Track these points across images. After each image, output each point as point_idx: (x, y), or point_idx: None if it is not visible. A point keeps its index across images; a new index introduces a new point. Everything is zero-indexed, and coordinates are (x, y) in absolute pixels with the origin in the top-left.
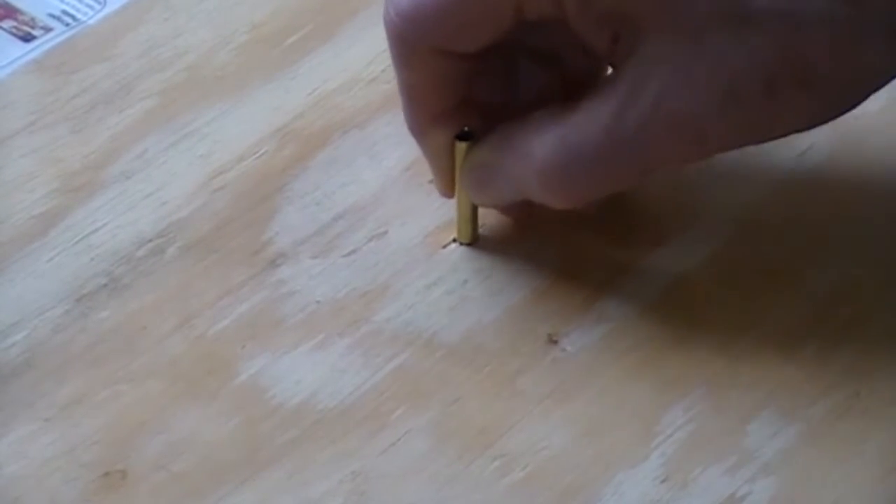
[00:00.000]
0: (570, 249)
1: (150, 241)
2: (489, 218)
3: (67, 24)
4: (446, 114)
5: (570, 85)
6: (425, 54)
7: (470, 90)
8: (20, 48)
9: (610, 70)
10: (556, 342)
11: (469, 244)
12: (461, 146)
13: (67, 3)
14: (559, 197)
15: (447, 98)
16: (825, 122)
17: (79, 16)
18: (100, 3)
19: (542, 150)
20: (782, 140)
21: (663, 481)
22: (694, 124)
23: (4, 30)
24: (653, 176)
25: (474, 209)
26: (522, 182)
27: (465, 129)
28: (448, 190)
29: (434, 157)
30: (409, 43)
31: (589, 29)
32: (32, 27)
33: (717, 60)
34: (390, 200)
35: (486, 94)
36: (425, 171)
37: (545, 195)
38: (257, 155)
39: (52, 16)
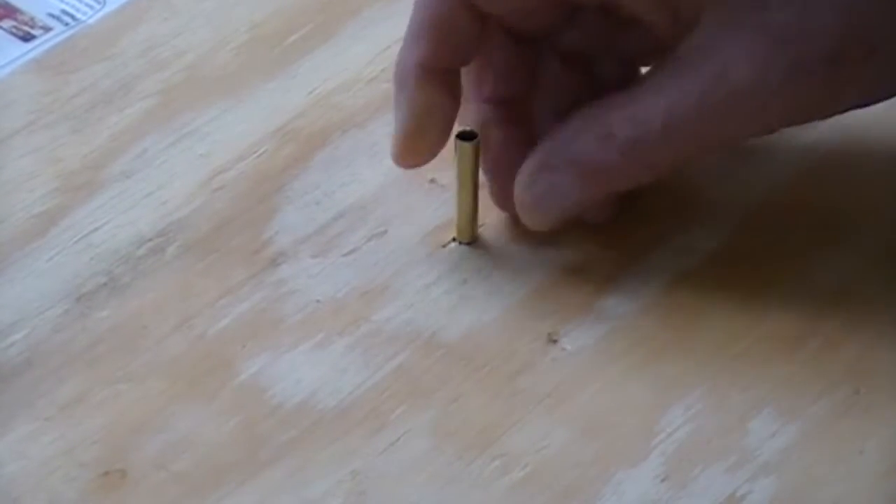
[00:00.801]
0: (569, 249)
1: (150, 240)
2: (489, 217)
3: (67, 24)
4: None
5: (596, 90)
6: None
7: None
8: (20, 48)
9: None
10: (555, 341)
11: (469, 243)
12: (464, 146)
13: (67, 3)
14: (633, 175)
15: (450, 56)
16: (889, 96)
17: (78, 15)
18: (99, 2)
19: (620, 128)
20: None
21: (663, 480)
22: (757, 98)
23: (4, 29)
24: (715, 151)
25: (474, 208)
26: (600, 167)
27: (467, 128)
28: (405, 153)
29: (407, 113)
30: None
31: (647, 8)
32: (32, 27)
33: (782, 33)
34: (390, 200)
35: (504, 87)
36: (425, 171)
37: (622, 176)
38: (257, 154)
39: (51, 15)
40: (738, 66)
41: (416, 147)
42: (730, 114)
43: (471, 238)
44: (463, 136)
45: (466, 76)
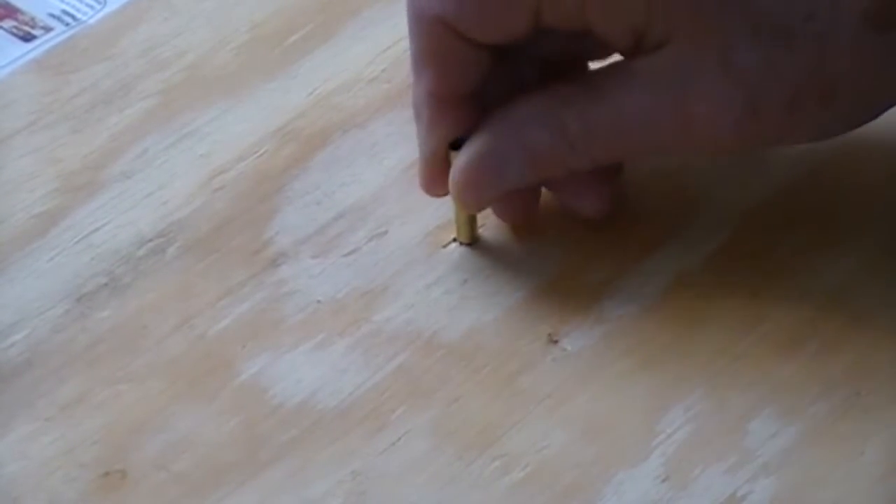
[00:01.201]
0: (570, 249)
1: (151, 240)
2: (489, 218)
3: (67, 24)
4: (453, 101)
5: (524, 84)
6: (442, 33)
7: (479, 81)
8: (20, 48)
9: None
10: (556, 342)
11: (469, 244)
12: (456, 155)
13: (67, 3)
14: (577, 166)
15: (455, 80)
16: (841, 134)
17: (79, 15)
18: (100, 2)
19: (572, 122)
20: None
21: (664, 481)
22: (710, 131)
23: (5, 29)
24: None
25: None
26: (549, 157)
27: (459, 137)
28: (430, 183)
29: (427, 142)
30: (422, 18)
31: (611, 34)
32: (32, 27)
33: (742, 76)
34: (390, 200)
35: (491, 94)
36: None
37: (566, 166)
38: (257, 154)
39: (52, 15)
40: (694, 99)
41: (439, 178)
42: (681, 138)
43: (471, 239)
44: (455, 146)
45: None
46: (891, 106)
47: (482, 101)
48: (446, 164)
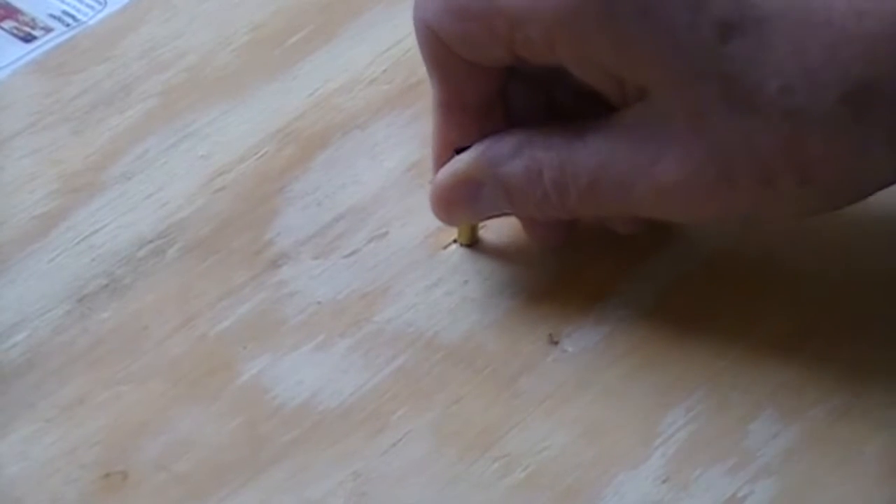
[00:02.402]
0: (570, 251)
1: (151, 241)
2: (490, 220)
3: (68, 25)
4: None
5: (560, 109)
6: (436, 44)
7: (486, 96)
8: (21, 49)
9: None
10: (556, 343)
11: (470, 245)
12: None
13: (68, 4)
14: (551, 212)
15: (456, 91)
16: (824, 212)
17: (79, 16)
18: (100, 3)
19: (549, 171)
20: None
21: (664, 482)
22: (681, 194)
23: (5, 30)
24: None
25: None
26: (523, 197)
27: (464, 145)
28: None
29: (435, 147)
30: (418, 26)
31: (591, 79)
32: (33, 28)
33: (717, 143)
34: (391, 201)
35: (517, 110)
36: (426, 173)
37: (541, 210)
38: (258, 156)
39: (52, 16)
40: (668, 164)
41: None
42: (651, 200)
43: (472, 240)
44: (459, 153)
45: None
46: (875, 189)
47: (508, 119)
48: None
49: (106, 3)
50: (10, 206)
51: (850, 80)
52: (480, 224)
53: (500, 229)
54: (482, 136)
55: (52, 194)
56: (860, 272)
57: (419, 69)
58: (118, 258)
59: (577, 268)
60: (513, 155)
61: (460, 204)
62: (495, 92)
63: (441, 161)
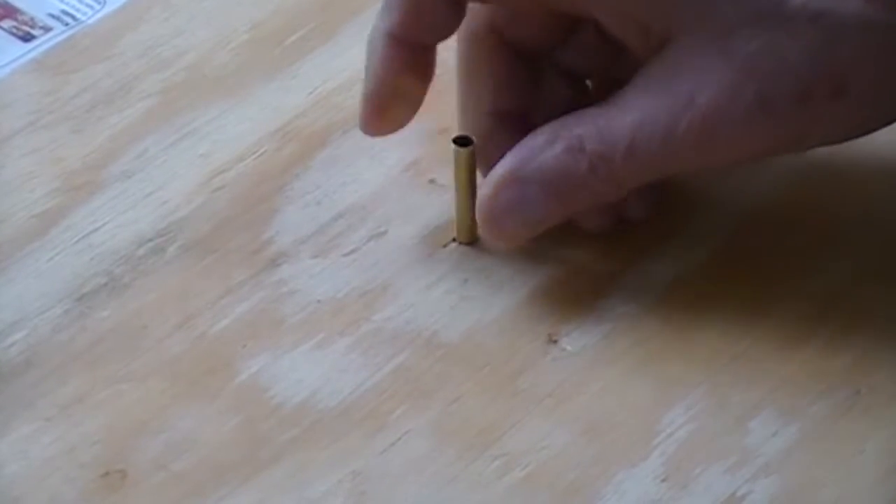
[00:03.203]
0: (570, 249)
1: (151, 240)
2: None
3: (67, 24)
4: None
5: (551, 94)
6: None
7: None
8: (20, 48)
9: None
10: (556, 342)
11: (469, 243)
12: (460, 151)
13: (67, 3)
14: (599, 190)
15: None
16: (861, 135)
17: (78, 15)
18: (99, 2)
19: (589, 142)
20: None
21: (664, 480)
22: (722, 126)
23: (4, 30)
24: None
25: (474, 209)
26: (568, 180)
27: (464, 134)
28: (371, 118)
29: (373, 79)
30: None
31: (617, 26)
32: (32, 27)
33: (747, 64)
34: (390, 200)
35: (505, 100)
36: (426, 171)
37: (590, 191)
38: (257, 154)
39: (51, 15)
40: (705, 91)
41: (378, 120)
42: (694, 139)
43: (471, 238)
44: (459, 142)
45: (469, 87)
46: None
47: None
48: (390, 101)
49: (105, 2)
50: (10, 204)
51: None
52: None
53: None
54: (429, 77)
55: (51, 193)
56: (861, 270)
57: None
58: (117, 257)
59: (577, 267)
60: (550, 141)
61: (507, 212)
62: (451, 33)
63: (379, 92)
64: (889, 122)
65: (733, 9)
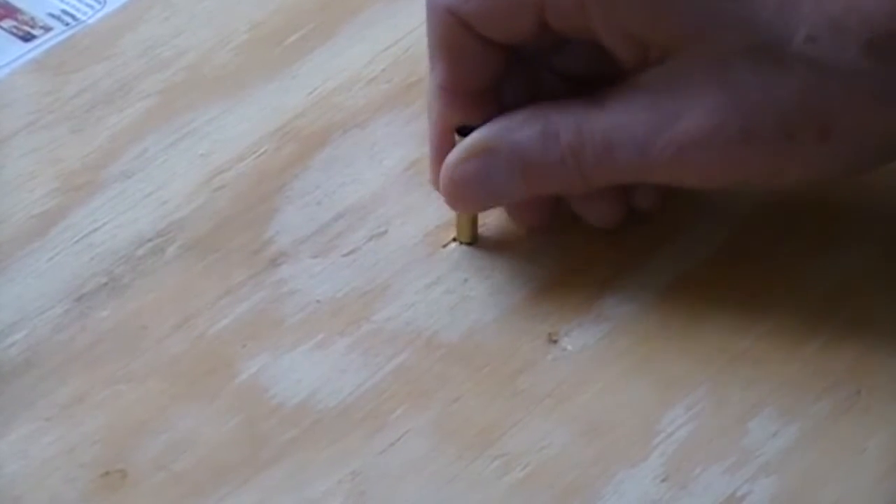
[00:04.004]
0: (570, 249)
1: (150, 240)
2: (489, 217)
3: (67, 24)
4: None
5: (548, 94)
6: (453, 26)
7: (491, 80)
8: (20, 48)
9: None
10: (556, 341)
11: (469, 243)
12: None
13: (67, 3)
14: (567, 181)
15: (465, 75)
16: (842, 177)
17: (79, 15)
18: (100, 2)
19: (565, 132)
20: None
21: (664, 480)
22: (701, 154)
23: (4, 29)
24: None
25: None
26: (537, 165)
27: (466, 124)
28: (436, 176)
29: (435, 133)
30: (435, 9)
31: (615, 42)
32: (32, 27)
33: (739, 94)
34: (390, 200)
35: (508, 99)
36: (425, 171)
37: (557, 179)
38: (257, 154)
39: (51, 15)
40: (690, 115)
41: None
42: (669, 158)
43: (471, 238)
44: (462, 132)
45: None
46: (892, 154)
47: (501, 105)
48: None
49: (105, 1)
50: (9, 204)
51: (872, 29)
52: (481, 221)
53: (499, 228)
54: (483, 119)
55: (51, 193)
56: (860, 271)
57: (418, 68)
58: (117, 257)
59: (577, 266)
60: (528, 121)
61: (473, 181)
62: (499, 74)
63: (441, 147)
64: (870, 168)
65: (736, 38)
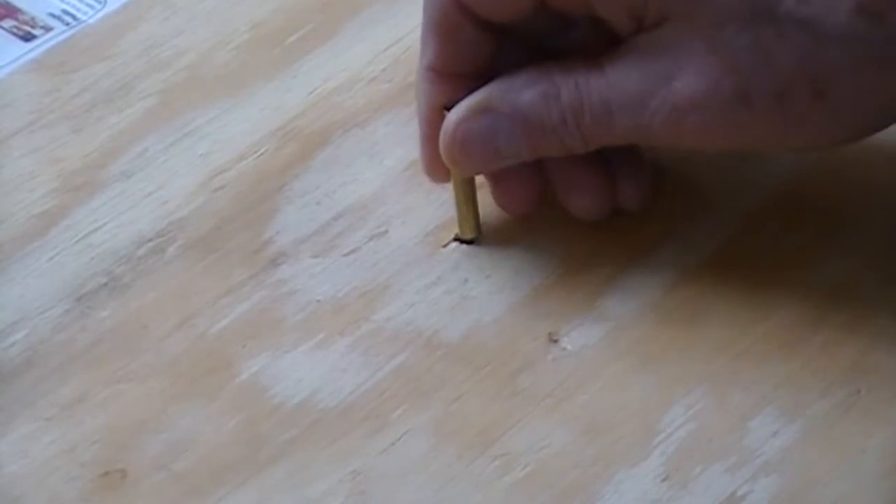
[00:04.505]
0: (570, 248)
1: (151, 240)
2: (490, 217)
3: (68, 24)
4: (451, 78)
5: None
6: (451, 8)
7: (482, 63)
8: (20, 47)
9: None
10: (556, 341)
11: (469, 243)
12: None
13: (68, 3)
14: (567, 142)
15: (457, 58)
16: (842, 143)
17: (79, 15)
18: (100, 2)
19: (565, 91)
20: None
21: (664, 480)
22: (696, 116)
23: (5, 29)
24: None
25: (474, 208)
26: (539, 124)
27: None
28: (430, 164)
29: (423, 114)
30: None
31: (611, 13)
32: (33, 26)
33: (732, 57)
34: (391, 199)
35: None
36: None
37: (557, 139)
38: (258, 154)
39: (52, 15)
40: (685, 76)
41: (438, 163)
42: (663, 119)
43: (472, 234)
44: (449, 110)
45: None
46: (890, 117)
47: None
48: (434, 144)
49: (105, 1)
50: (10, 204)
51: None
52: (481, 221)
53: (500, 228)
54: None
55: (51, 193)
56: (861, 270)
57: None
58: (117, 257)
59: (577, 266)
60: (529, 82)
61: (475, 139)
62: (490, 57)
63: (431, 127)
64: (869, 134)
65: (726, 5)
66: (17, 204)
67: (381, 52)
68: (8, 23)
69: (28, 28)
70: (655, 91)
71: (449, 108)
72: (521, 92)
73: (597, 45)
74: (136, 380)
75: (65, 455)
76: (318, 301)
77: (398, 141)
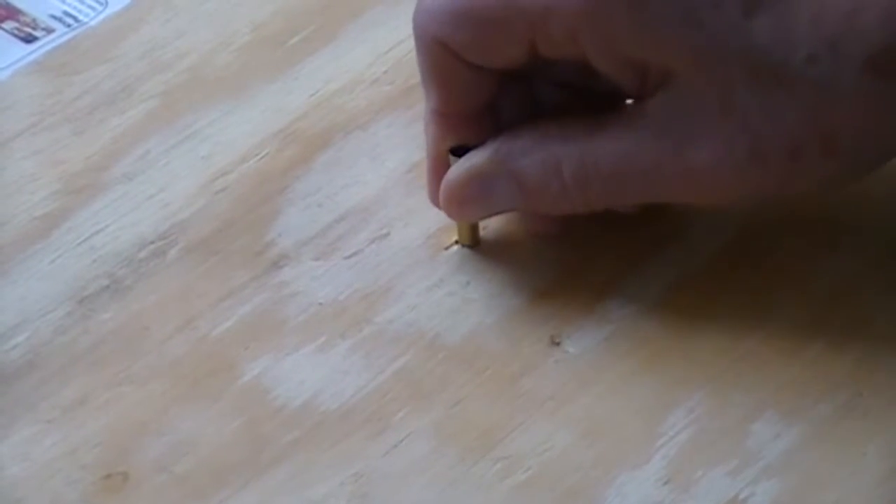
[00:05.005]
0: (571, 251)
1: (152, 242)
2: (491, 220)
3: (69, 26)
4: (457, 119)
5: (590, 105)
6: (441, 54)
7: (485, 102)
8: (22, 49)
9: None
10: (558, 344)
11: (471, 246)
12: (457, 161)
13: (69, 4)
14: (570, 206)
15: (457, 100)
16: (849, 185)
17: (80, 17)
18: (101, 4)
19: (568, 164)
20: None
21: (666, 483)
22: (712, 176)
23: (6, 31)
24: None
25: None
26: (540, 192)
27: (460, 144)
28: (434, 195)
29: (432, 155)
30: (423, 38)
31: (612, 69)
32: (34, 28)
33: (744, 119)
34: (392, 202)
35: (505, 112)
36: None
37: (559, 205)
38: (259, 156)
39: (53, 17)
40: (700, 140)
41: (438, 189)
42: (680, 182)
43: (473, 241)
44: (456, 152)
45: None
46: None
47: (497, 119)
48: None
49: (107, 3)
50: (12, 206)
51: (870, 46)
52: (482, 224)
53: (501, 230)
54: (479, 138)
55: (53, 195)
56: (862, 273)
57: None
58: (119, 259)
59: (579, 268)
60: (529, 150)
61: (473, 201)
62: (493, 95)
63: (438, 169)
64: (874, 171)
65: (735, 65)
66: (19, 206)
67: (383, 55)
68: (9, 24)
69: (29, 30)
70: (670, 159)
71: (453, 151)
72: (519, 160)
73: (593, 77)
74: (137, 382)
75: (66, 457)
76: (320, 303)
77: (400, 143)
